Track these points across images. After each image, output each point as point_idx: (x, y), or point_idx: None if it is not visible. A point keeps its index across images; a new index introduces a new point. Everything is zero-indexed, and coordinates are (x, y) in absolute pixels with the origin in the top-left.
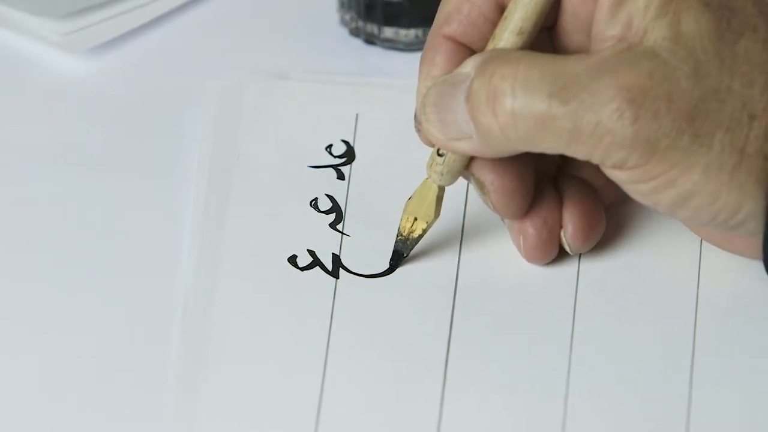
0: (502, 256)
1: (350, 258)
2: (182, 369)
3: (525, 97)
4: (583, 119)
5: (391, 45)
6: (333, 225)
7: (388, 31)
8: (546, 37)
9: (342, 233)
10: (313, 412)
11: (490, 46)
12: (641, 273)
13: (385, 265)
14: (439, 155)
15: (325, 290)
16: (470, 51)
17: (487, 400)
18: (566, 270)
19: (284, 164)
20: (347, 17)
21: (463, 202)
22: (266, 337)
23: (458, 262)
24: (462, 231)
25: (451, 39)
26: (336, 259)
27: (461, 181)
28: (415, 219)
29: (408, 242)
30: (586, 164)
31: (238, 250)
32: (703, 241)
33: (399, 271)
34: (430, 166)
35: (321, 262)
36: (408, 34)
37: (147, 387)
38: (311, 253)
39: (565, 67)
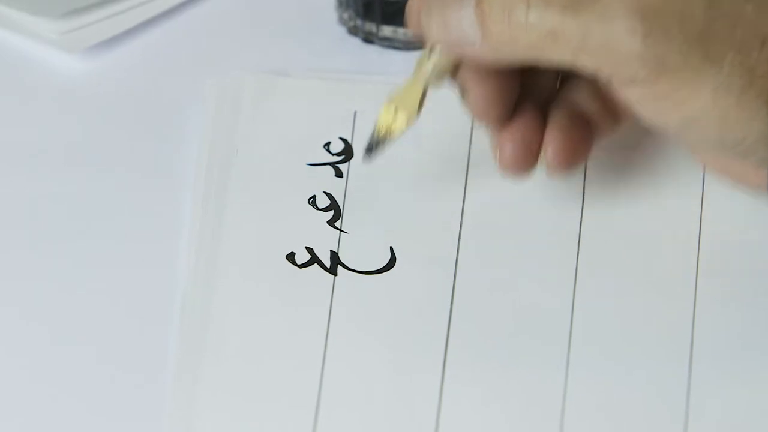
0: (500, 251)
1: (348, 255)
2: (181, 366)
3: (540, 7)
4: (594, 32)
5: (390, 44)
6: (331, 222)
7: (387, 30)
8: None
9: (340, 230)
10: (312, 409)
11: None
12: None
13: (384, 262)
14: (429, 54)
15: (323, 287)
16: None
17: (485, 394)
18: (566, 263)
19: (282, 162)
20: (345, 16)
21: (462, 198)
22: (265, 334)
23: (456, 258)
24: (460, 226)
25: None
26: (334, 256)
27: (460, 179)
28: (396, 110)
29: (386, 136)
30: (582, 89)
31: (236, 247)
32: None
33: (397, 267)
34: (418, 64)
35: (319, 259)
36: (406, 32)
37: (146, 384)
38: (309, 250)
39: None
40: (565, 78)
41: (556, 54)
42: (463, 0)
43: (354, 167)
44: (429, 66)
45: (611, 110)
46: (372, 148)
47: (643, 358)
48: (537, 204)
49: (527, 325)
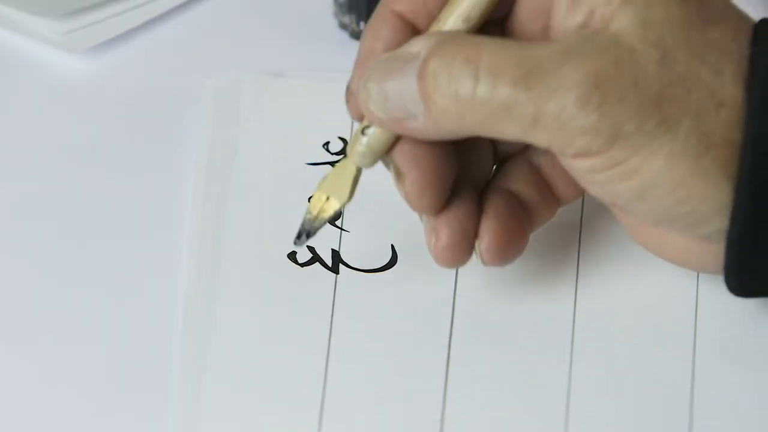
0: None
1: (350, 253)
2: (184, 366)
3: (490, 81)
4: (548, 105)
5: None
6: (332, 221)
7: None
8: (497, 30)
9: (341, 229)
10: (317, 408)
11: (434, 28)
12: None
13: (385, 260)
14: (363, 134)
15: (325, 286)
16: (414, 31)
17: (490, 392)
18: (568, 259)
19: (282, 161)
20: (346, 20)
21: None
22: (268, 333)
23: None
24: None
25: (399, 15)
26: (335, 255)
27: None
28: (327, 198)
29: (316, 222)
30: (519, 173)
31: (237, 247)
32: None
33: (399, 265)
34: (351, 145)
35: (321, 258)
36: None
37: (148, 385)
38: (311, 249)
39: (530, 52)
40: (501, 160)
41: (506, 129)
42: (404, 70)
43: None
44: (362, 147)
45: (549, 195)
46: (303, 234)
47: (646, 355)
48: None
49: (530, 321)
